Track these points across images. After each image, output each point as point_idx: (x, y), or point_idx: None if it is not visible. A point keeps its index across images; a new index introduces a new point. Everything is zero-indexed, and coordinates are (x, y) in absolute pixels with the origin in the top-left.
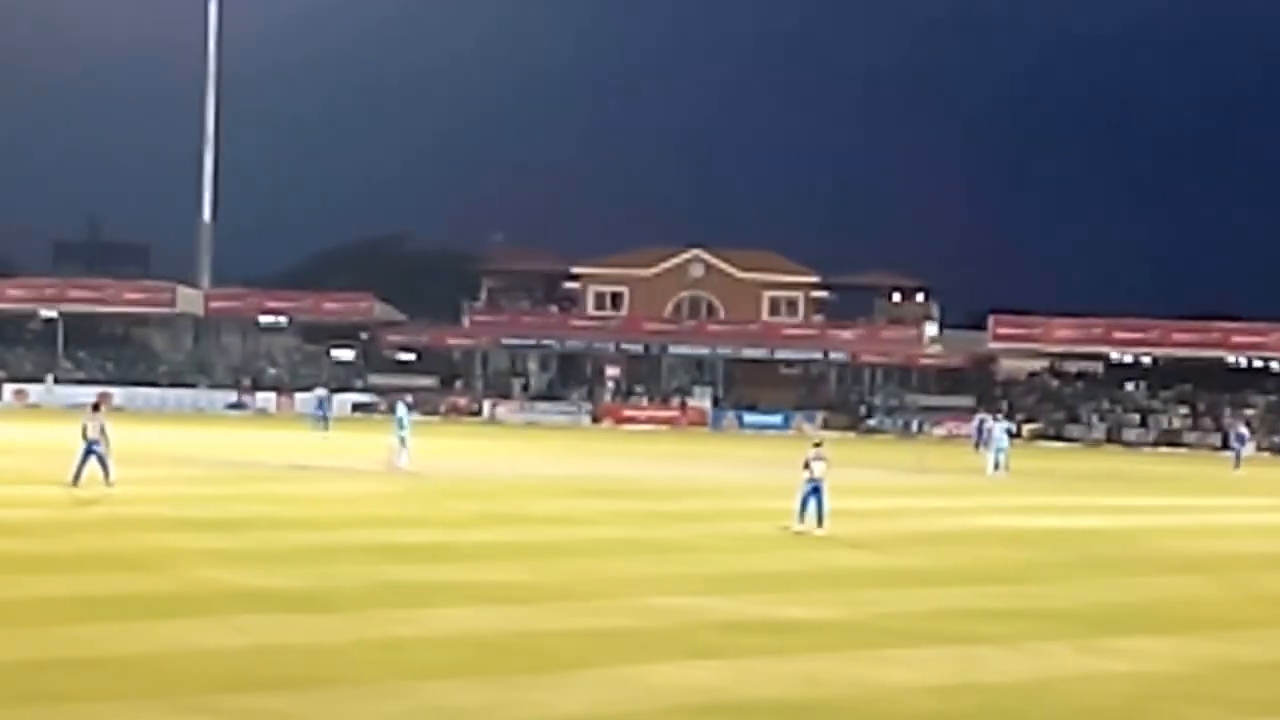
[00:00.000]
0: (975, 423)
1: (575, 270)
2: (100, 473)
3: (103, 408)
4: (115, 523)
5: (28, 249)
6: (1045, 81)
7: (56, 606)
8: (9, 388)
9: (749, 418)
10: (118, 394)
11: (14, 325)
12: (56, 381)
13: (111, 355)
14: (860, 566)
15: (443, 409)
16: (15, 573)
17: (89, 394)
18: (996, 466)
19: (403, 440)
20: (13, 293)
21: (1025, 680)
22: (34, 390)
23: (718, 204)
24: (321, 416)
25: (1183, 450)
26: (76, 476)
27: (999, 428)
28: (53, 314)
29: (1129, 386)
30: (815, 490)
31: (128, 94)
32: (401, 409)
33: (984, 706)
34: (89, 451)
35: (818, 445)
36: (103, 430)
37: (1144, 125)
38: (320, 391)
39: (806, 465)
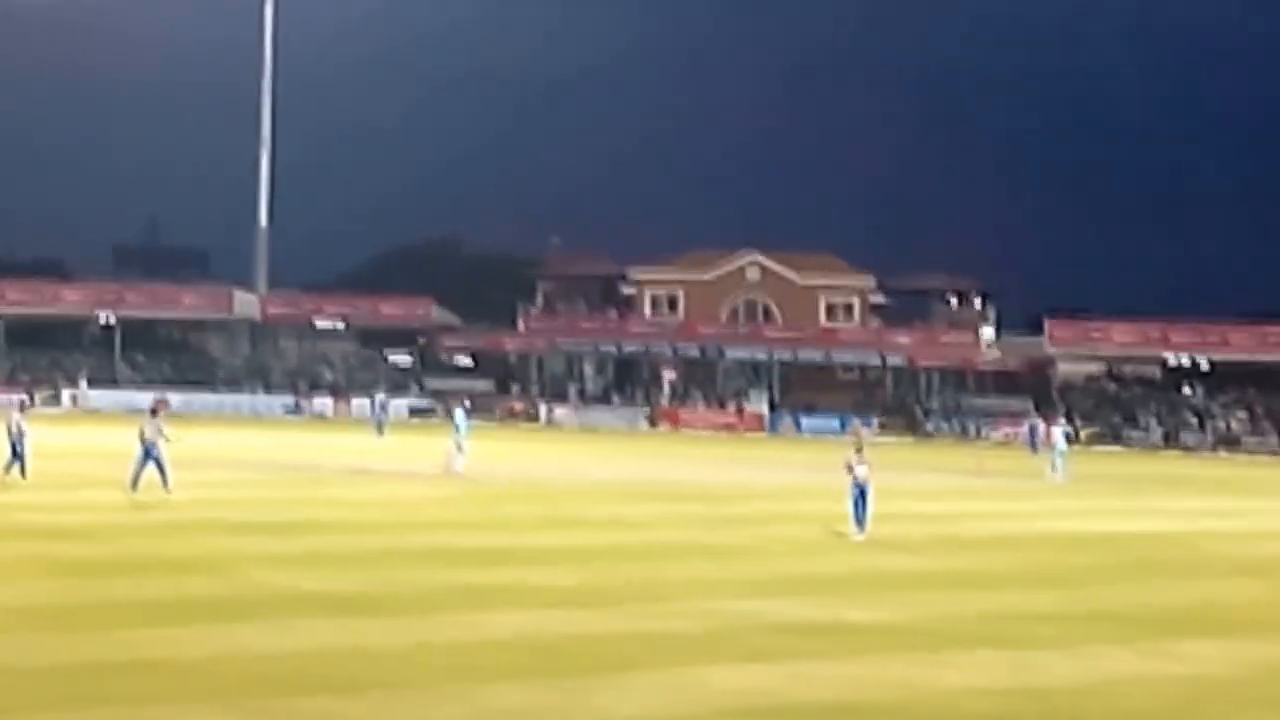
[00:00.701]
0: (1025, 427)
1: (632, 274)
2: (159, 477)
3: (160, 412)
4: (173, 527)
5: (86, 253)
6: (1102, 82)
7: (114, 610)
8: (66, 392)
9: (806, 421)
10: (175, 398)
11: (72, 329)
12: (90, 385)
13: (169, 359)
14: (916, 569)
15: (499, 413)
16: (73, 577)
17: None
18: (1053, 469)
19: (460, 444)
20: (71, 297)
21: (1079, 683)
22: (91, 394)
23: (775, 207)
24: (379, 420)
25: (1241, 454)
26: (134, 481)
27: (1057, 431)
28: (111, 318)
29: (1186, 390)
30: (862, 494)
31: (185, 99)
32: (459, 413)
33: (1038, 710)
34: (147, 456)
35: (859, 449)
36: (161, 434)
37: (1203, 124)
38: (379, 396)
39: (849, 469)
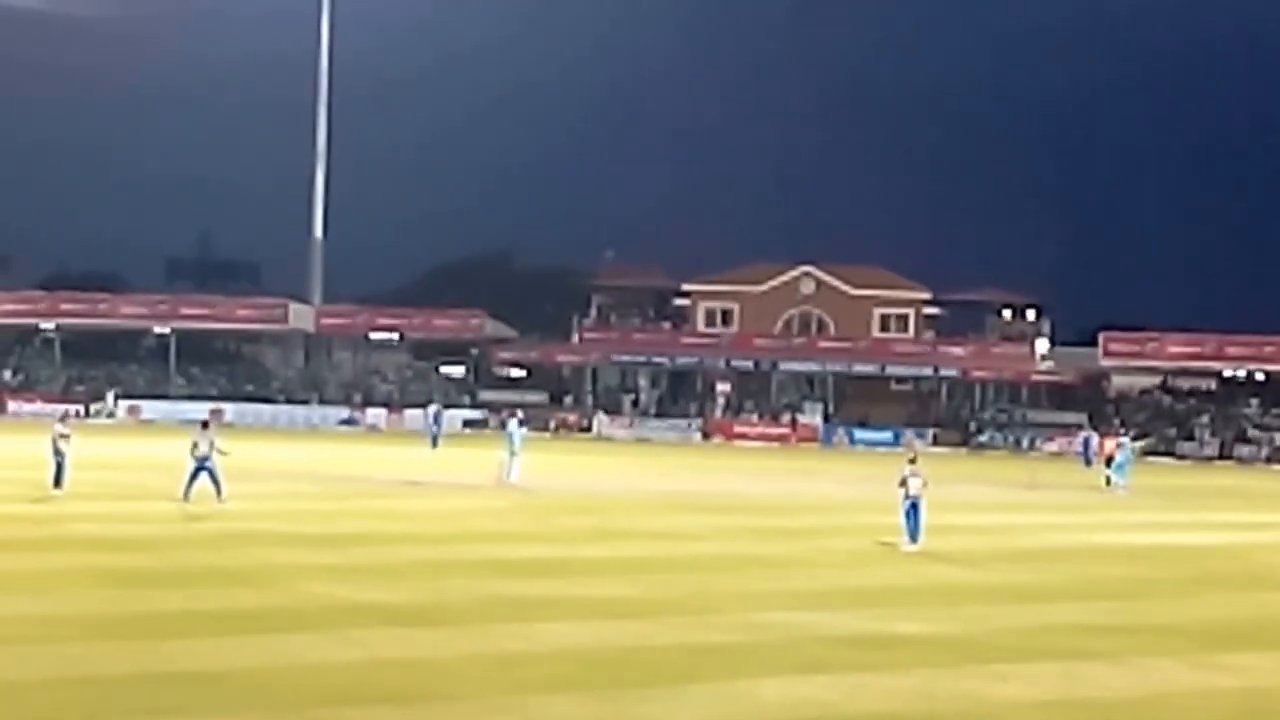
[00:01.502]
0: (1080, 439)
1: (685, 287)
2: (212, 489)
3: (212, 425)
4: (227, 538)
5: (141, 266)
6: (1157, 92)
7: (168, 621)
8: (124, 404)
9: (860, 434)
10: (229, 410)
11: (128, 341)
12: (118, 399)
13: (224, 371)
14: (969, 582)
15: (553, 425)
16: (128, 587)
17: (198, 410)
18: (1107, 483)
19: (514, 456)
20: (126, 309)
21: (1133, 696)
22: (146, 406)
23: (828, 221)
24: (434, 432)
25: None
26: (187, 492)
27: (1123, 443)
28: (166, 330)
29: (1242, 403)
30: (914, 507)
31: (240, 112)
32: (513, 425)
33: None
34: (200, 468)
35: (912, 461)
36: (213, 446)
37: (1255, 137)
38: (433, 408)
39: (903, 482)
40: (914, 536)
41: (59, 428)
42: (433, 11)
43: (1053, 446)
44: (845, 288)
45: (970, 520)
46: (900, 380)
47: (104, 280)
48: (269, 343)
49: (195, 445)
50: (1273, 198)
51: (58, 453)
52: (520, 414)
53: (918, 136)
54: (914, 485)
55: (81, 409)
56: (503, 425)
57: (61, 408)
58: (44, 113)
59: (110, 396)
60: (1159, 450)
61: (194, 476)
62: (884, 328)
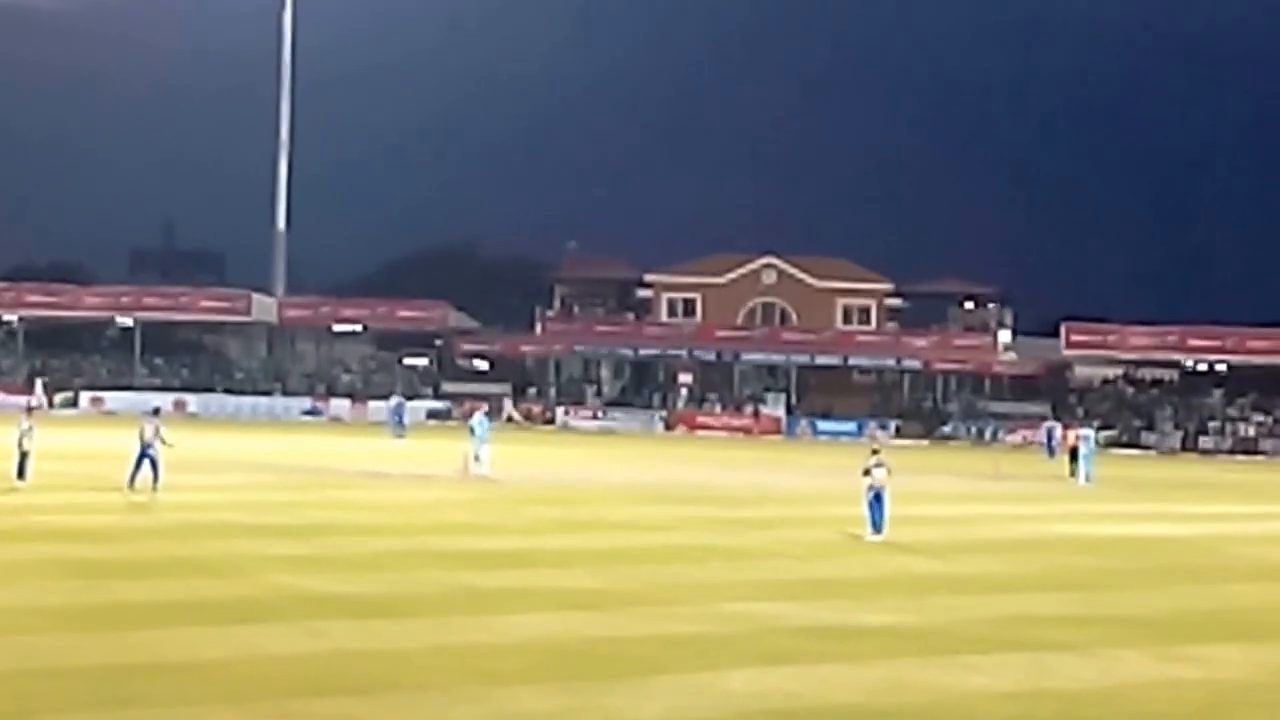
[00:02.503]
0: (1043, 430)
1: (648, 278)
2: (150, 477)
3: (160, 417)
4: (192, 529)
5: (104, 257)
6: (1117, 84)
7: (132, 612)
8: (86, 395)
9: (822, 425)
10: (192, 400)
11: (91, 332)
12: (46, 389)
13: (187, 362)
14: (934, 573)
15: (517, 414)
16: (91, 578)
17: (164, 400)
18: (1076, 474)
19: (482, 445)
20: (90, 300)
21: (1099, 687)
22: (109, 397)
23: (790, 212)
24: (398, 423)
25: (1259, 458)
26: (131, 480)
27: (1086, 435)
28: (129, 322)
29: (1204, 394)
30: (878, 497)
31: (202, 103)
32: (478, 417)
33: (1058, 713)
34: (143, 455)
35: (876, 452)
36: (159, 434)
37: (1217, 128)
38: (395, 399)
39: (867, 472)
40: (878, 527)
41: (24, 421)
42: (396, 3)
43: (1016, 437)
44: (808, 279)
45: (935, 511)
46: (863, 371)
47: (68, 271)
48: (232, 334)
49: (142, 431)
50: (1234, 190)
51: (21, 444)
52: (486, 407)
53: (880, 128)
54: (878, 475)
55: (43, 401)
56: (466, 417)
57: (25, 399)
58: (7, 105)
59: (39, 386)
60: (1122, 441)
61: (138, 464)
62: (846, 319)
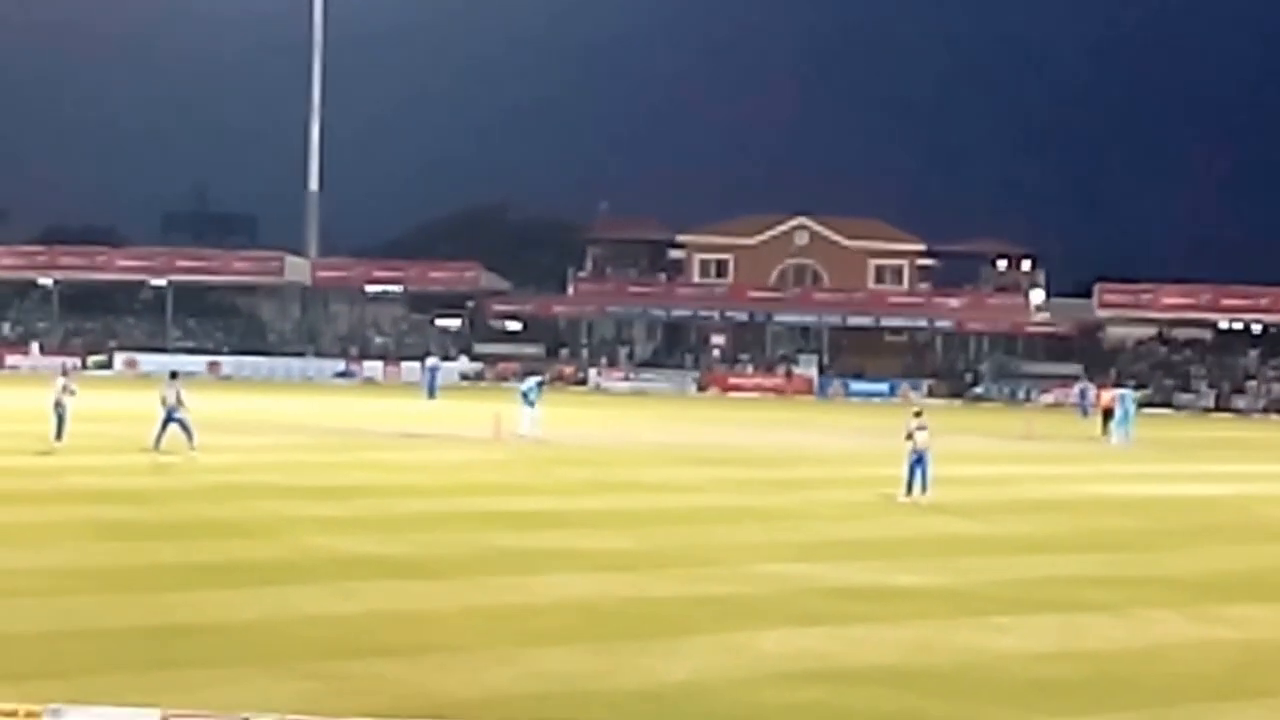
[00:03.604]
0: (1076, 390)
1: (680, 239)
2: (184, 438)
3: (179, 376)
4: (225, 490)
5: (137, 220)
6: (1153, 42)
7: (167, 573)
8: (119, 357)
9: (855, 386)
10: (226, 362)
11: (124, 295)
12: (42, 351)
13: (220, 324)
14: (966, 533)
15: (548, 377)
16: (126, 539)
17: (196, 363)
18: (1109, 435)
19: (531, 408)
20: (123, 263)
21: (1131, 647)
22: (143, 359)
23: (823, 172)
24: (432, 385)
25: None
26: (157, 442)
27: (1125, 395)
28: (162, 283)
29: (1238, 354)
30: (920, 460)
31: (234, 65)
32: (530, 382)
33: (1090, 674)
34: (169, 419)
35: (918, 414)
36: (179, 398)
37: (1247, 88)
38: (431, 361)
39: (909, 435)
40: (923, 488)
41: (61, 381)
42: None
43: (1049, 398)
44: (840, 239)
45: (967, 472)
46: (895, 332)
47: (101, 234)
48: (265, 295)
49: (164, 397)
50: (1271, 148)
51: (59, 405)
52: (541, 375)
53: (913, 86)
54: (921, 438)
55: (79, 362)
56: (499, 379)
57: (60, 361)
58: (40, 68)
59: (35, 347)
60: (1155, 401)
61: (164, 426)
62: (879, 279)
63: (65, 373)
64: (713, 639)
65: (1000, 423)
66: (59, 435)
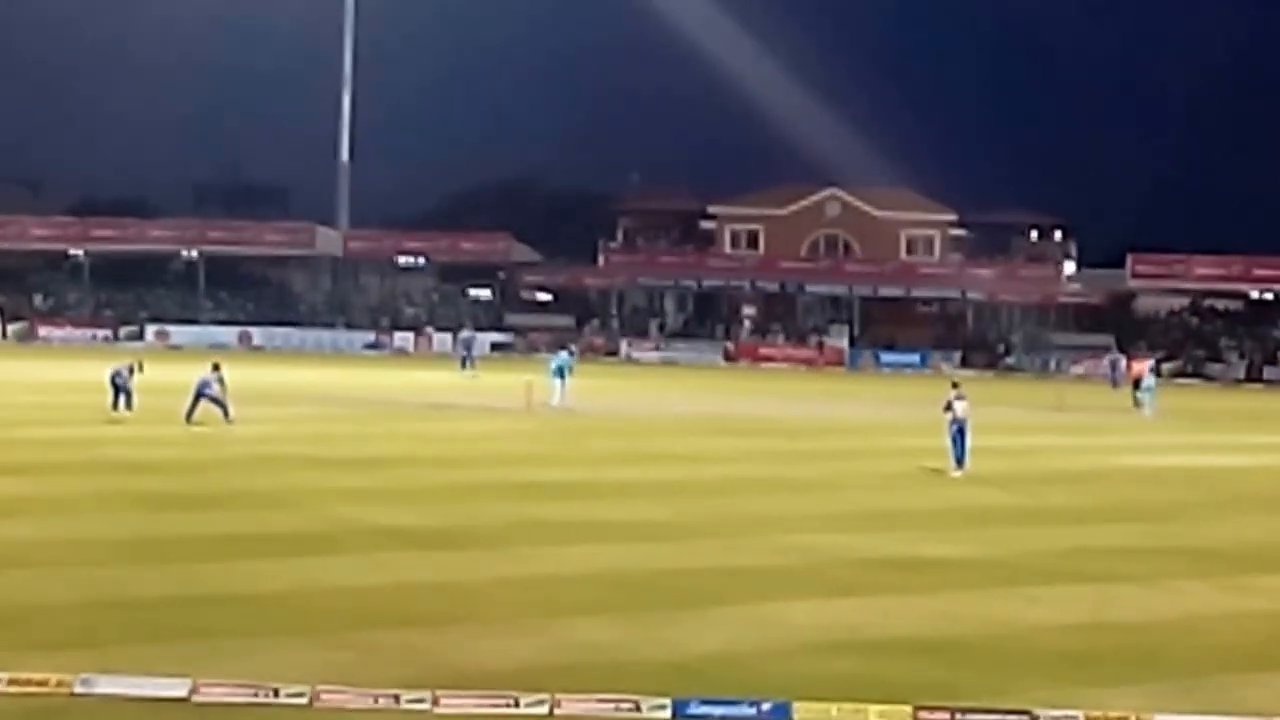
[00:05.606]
0: (1106, 361)
1: (711, 210)
2: (218, 412)
3: (222, 368)
4: (257, 461)
5: (168, 192)
6: (1177, 17)
7: (198, 544)
8: (151, 328)
9: (886, 357)
10: (257, 333)
11: (156, 266)
12: (11, 321)
13: (251, 295)
14: (998, 504)
15: (579, 348)
16: (160, 511)
17: (227, 334)
18: (1141, 406)
19: (564, 381)
20: (154, 234)
21: (1163, 618)
22: (174, 331)
23: (854, 142)
24: (467, 356)
25: None
26: (188, 416)
27: (1146, 367)
28: (193, 255)
29: (1270, 324)
30: (960, 431)
31: (265, 37)
32: (564, 355)
33: (1121, 644)
34: (199, 395)
35: (956, 386)
36: (221, 383)
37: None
38: (466, 333)
39: (948, 407)
40: (960, 461)
41: (122, 368)
42: None
43: (1080, 369)
44: (871, 210)
45: (999, 443)
46: (926, 303)
47: (132, 206)
48: (296, 266)
49: (206, 384)
50: None
51: (119, 377)
52: (573, 347)
53: (944, 56)
54: (960, 409)
55: (110, 334)
56: (530, 349)
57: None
58: (70, 39)
59: (12, 327)
60: (1186, 372)
61: (195, 401)
62: (910, 250)
63: (132, 372)
64: (744, 610)
65: (1032, 394)
66: (124, 404)
